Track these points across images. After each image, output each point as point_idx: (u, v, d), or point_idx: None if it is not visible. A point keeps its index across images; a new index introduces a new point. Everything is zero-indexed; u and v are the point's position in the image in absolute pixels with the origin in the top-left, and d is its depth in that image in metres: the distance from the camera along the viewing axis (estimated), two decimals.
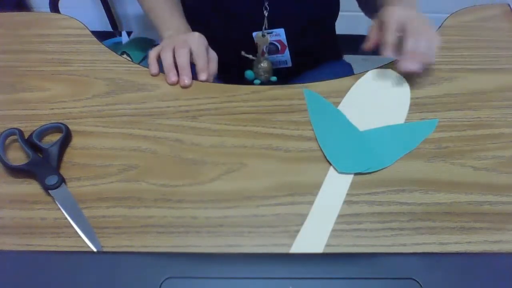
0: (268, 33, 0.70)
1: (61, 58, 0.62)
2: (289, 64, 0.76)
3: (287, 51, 0.73)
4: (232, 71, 0.72)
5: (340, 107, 0.55)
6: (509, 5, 0.71)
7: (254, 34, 0.70)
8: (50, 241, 0.42)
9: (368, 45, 0.59)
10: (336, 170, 0.48)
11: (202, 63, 0.59)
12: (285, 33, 0.70)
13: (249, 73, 0.72)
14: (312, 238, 0.42)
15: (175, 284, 0.38)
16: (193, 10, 0.74)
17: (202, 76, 0.59)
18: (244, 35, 0.71)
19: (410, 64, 0.54)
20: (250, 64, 0.73)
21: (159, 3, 0.71)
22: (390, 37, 0.55)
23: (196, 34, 0.61)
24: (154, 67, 0.60)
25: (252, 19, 0.69)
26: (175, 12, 0.71)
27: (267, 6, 0.67)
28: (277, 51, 0.74)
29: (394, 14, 0.56)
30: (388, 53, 0.55)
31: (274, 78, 0.73)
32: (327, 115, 0.54)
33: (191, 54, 0.60)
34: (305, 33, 0.74)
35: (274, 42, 0.72)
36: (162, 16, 0.70)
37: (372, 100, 0.56)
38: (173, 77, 0.58)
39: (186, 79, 0.58)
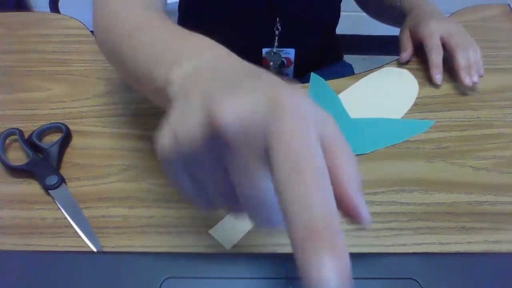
0: (278, 51, 0.70)
1: (61, 58, 0.61)
2: (291, 76, 0.76)
3: (292, 66, 0.74)
4: None
5: (341, 95, 0.56)
6: (509, 5, 0.71)
7: (264, 51, 0.70)
8: (50, 241, 0.42)
9: (405, 56, 0.60)
10: None
11: (352, 178, 0.19)
12: (295, 52, 0.70)
13: None
14: None
15: (175, 284, 0.38)
16: (197, 26, 0.74)
17: (364, 215, 0.21)
18: (251, 51, 0.70)
19: (469, 78, 0.55)
20: None
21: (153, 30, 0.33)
22: (437, 59, 0.56)
23: (296, 90, 0.19)
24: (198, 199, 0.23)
25: (262, 37, 0.68)
26: (181, 30, 0.31)
27: (278, 26, 0.66)
28: (282, 65, 0.74)
29: (434, 30, 0.56)
30: (439, 77, 0.56)
31: None
32: (324, 97, 0.55)
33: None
34: (313, 48, 0.74)
35: (282, 59, 0.72)
36: (164, 44, 0.30)
37: (375, 94, 0.57)
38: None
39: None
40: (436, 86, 0.57)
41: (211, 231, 0.43)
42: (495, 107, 0.55)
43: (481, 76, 0.56)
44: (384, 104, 0.55)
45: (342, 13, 0.79)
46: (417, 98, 0.56)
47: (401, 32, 0.63)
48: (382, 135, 0.51)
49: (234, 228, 0.43)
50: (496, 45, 0.64)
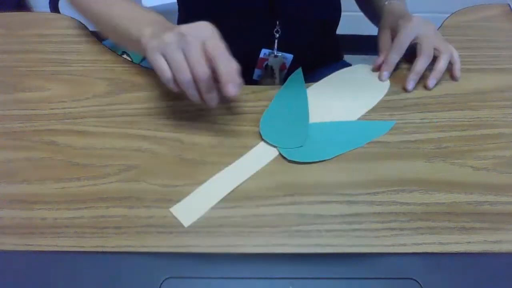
0: (278, 54, 0.69)
1: (61, 58, 0.61)
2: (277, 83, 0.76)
3: (285, 72, 0.73)
4: None
5: (309, 90, 0.56)
6: (509, 5, 0.71)
7: (263, 52, 0.70)
8: (50, 241, 0.42)
9: (378, 61, 0.60)
10: (266, 142, 0.50)
11: (226, 66, 0.43)
12: (293, 58, 0.70)
13: None
14: (203, 199, 0.45)
15: (175, 284, 0.39)
16: None
17: (231, 89, 0.43)
18: (250, 53, 0.70)
19: (412, 83, 0.57)
20: (249, 77, 0.73)
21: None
22: (393, 58, 0.57)
23: (204, 23, 0.44)
24: (167, 71, 0.44)
25: (262, 39, 0.68)
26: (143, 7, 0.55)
27: (279, 29, 0.66)
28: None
29: (410, 30, 0.57)
30: (385, 74, 0.58)
31: None
32: (294, 96, 0.55)
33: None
34: (311, 50, 0.74)
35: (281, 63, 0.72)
36: (131, 12, 0.53)
37: (343, 90, 0.57)
38: (195, 94, 0.45)
39: (214, 97, 0.46)
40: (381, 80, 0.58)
41: (171, 209, 0.44)
42: (495, 107, 0.55)
43: (455, 80, 0.58)
44: (349, 101, 0.55)
45: (342, 13, 0.79)
46: (417, 98, 0.56)
47: (379, 35, 0.64)
48: (343, 139, 0.50)
49: (193, 208, 0.44)
50: (496, 45, 0.64)
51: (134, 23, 0.50)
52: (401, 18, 0.59)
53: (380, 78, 0.58)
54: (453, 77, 0.58)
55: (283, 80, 0.73)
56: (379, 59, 0.60)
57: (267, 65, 0.71)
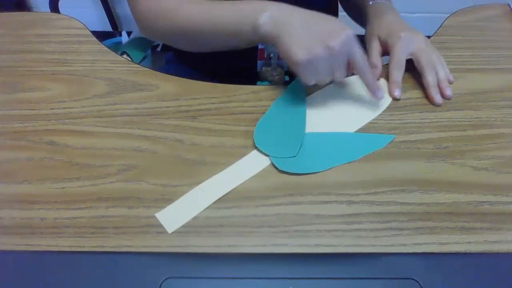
0: None
1: (61, 58, 0.61)
2: (285, 68, 0.76)
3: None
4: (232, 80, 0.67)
5: (310, 98, 0.55)
6: (509, 5, 0.71)
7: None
8: (50, 241, 0.42)
9: (378, 73, 0.57)
10: (259, 151, 0.49)
11: (369, 79, 0.52)
12: None
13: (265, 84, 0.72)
14: (191, 205, 0.45)
15: (175, 284, 0.39)
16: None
17: (378, 96, 0.53)
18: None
19: (439, 96, 0.55)
20: (253, 73, 0.73)
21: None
22: (397, 76, 0.56)
23: (345, 30, 0.48)
24: (312, 82, 0.51)
25: None
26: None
27: None
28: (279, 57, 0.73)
29: (404, 46, 0.56)
30: (397, 93, 0.55)
31: (287, 78, 0.73)
32: (292, 102, 0.54)
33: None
34: None
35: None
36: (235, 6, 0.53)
37: (344, 101, 0.56)
38: None
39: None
40: (396, 100, 0.56)
41: (157, 214, 0.44)
42: (495, 107, 0.55)
43: (451, 83, 0.57)
44: (350, 111, 0.54)
45: (342, 13, 0.79)
46: (417, 98, 0.56)
47: (368, 41, 0.61)
48: (338, 151, 0.49)
49: (179, 214, 0.44)
50: (496, 45, 0.64)
51: (242, 16, 0.51)
52: (390, 35, 0.57)
53: (393, 97, 0.56)
54: (444, 96, 0.56)
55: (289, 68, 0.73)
56: (377, 72, 0.58)
57: (268, 54, 0.71)
